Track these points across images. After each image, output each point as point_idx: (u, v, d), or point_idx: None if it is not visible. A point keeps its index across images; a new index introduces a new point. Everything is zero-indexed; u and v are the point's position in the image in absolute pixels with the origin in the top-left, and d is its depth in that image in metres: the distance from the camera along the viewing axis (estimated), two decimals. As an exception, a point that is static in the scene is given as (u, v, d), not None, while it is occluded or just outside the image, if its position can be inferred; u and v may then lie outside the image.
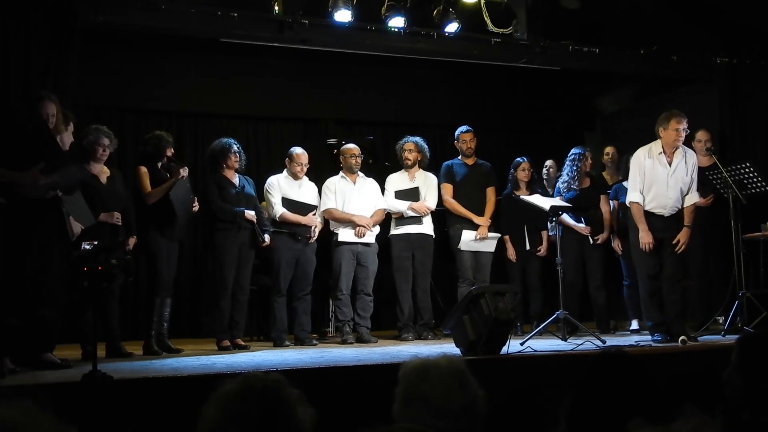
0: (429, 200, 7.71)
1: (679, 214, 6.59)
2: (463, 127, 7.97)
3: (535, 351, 5.66)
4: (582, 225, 7.76)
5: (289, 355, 6.07)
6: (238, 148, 7.04)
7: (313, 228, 7.25)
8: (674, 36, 8.62)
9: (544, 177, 8.49)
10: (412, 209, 7.59)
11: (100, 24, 6.82)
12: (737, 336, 5.78)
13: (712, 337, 6.77)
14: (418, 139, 7.85)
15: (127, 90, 8.62)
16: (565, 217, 7.62)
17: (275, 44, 7.85)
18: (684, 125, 6.51)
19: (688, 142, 7.75)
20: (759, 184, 6.92)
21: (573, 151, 7.93)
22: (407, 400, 2.24)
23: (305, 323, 7.20)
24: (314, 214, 7.31)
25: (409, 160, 7.74)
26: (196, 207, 6.67)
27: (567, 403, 2.63)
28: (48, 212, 5.24)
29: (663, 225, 6.57)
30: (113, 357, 6.01)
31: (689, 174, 6.57)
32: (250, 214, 6.87)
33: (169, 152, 6.64)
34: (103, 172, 6.28)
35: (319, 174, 7.77)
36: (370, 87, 9.69)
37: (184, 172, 6.49)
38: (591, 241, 7.76)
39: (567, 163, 7.91)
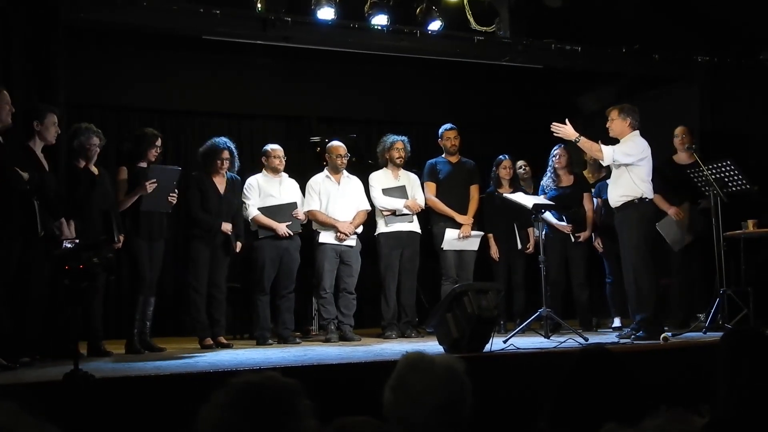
0: (419, 198, 7.73)
1: (625, 208, 6.58)
2: (447, 125, 7.98)
3: (518, 349, 5.68)
4: (563, 223, 7.80)
5: (272, 354, 6.06)
6: (230, 152, 6.94)
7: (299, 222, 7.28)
8: (656, 35, 8.67)
9: (523, 177, 8.51)
10: (407, 207, 7.59)
11: (81, 21, 6.77)
12: (718, 333, 5.84)
13: (693, 334, 6.82)
14: (405, 138, 7.85)
15: (109, 88, 8.56)
16: (548, 216, 7.65)
17: (258, 42, 7.84)
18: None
19: (669, 138, 7.83)
20: (740, 182, 6.96)
21: (553, 149, 8.00)
22: (393, 387, 2.29)
23: (288, 321, 7.19)
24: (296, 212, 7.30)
25: (402, 158, 7.74)
26: (173, 199, 6.61)
27: (548, 401, 2.64)
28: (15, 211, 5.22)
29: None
30: (94, 356, 5.99)
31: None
32: (227, 227, 6.85)
33: (153, 154, 6.59)
34: (91, 170, 6.26)
35: (302, 172, 7.74)
36: (353, 85, 9.67)
37: (150, 188, 6.39)
38: (573, 239, 7.80)
39: (551, 155, 7.99)
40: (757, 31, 8.35)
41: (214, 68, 9.04)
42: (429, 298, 8.21)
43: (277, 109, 9.59)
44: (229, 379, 1.88)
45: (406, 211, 7.60)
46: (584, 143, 6.61)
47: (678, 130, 7.74)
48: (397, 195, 7.65)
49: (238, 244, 6.97)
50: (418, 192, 7.75)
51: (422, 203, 7.72)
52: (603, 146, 6.58)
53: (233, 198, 7.04)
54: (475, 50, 8.31)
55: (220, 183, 6.95)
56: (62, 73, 6.33)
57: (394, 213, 7.60)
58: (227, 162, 6.92)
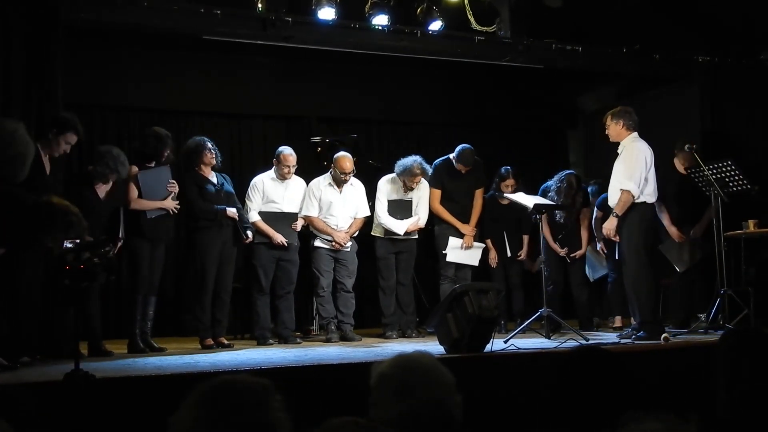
0: (422, 214, 7.65)
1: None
2: (467, 152, 7.70)
3: (519, 349, 5.68)
4: (557, 246, 7.80)
5: (273, 354, 6.07)
6: (212, 145, 6.98)
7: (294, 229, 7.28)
8: (656, 35, 8.66)
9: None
10: (407, 232, 7.54)
11: (81, 21, 6.77)
12: (718, 333, 5.84)
13: (693, 335, 6.82)
14: (426, 166, 7.61)
15: (109, 88, 8.54)
16: (547, 233, 7.65)
17: (258, 42, 7.83)
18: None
19: (669, 138, 7.82)
20: (740, 182, 6.96)
21: (562, 174, 7.90)
22: (377, 387, 2.34)
23: (288, 321, 7.19)
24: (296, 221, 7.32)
25: (413, 188, 7.61)
26: (172, 188, 6.61)
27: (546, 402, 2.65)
28: None
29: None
30: (94, 356, 5.99)
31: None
32: (232, 211, 6.83)
33: (166, 154, 6.60)
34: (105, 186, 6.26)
35: (302, 172, 7.74)
36: (353, 85, 9.66)
37: (172, 204, 6.51)
38: (569, 260, 7.80)
39: (555, 181, 7.86)
40: (757, 31, 8.35)
41: (214, 68, 9.02)
42: (429, 298, 8.21)
43: (277, 109, 9.57)
44: (198, 384, 1.90)
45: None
46: (618, 212, 6.50)
47: (684, 153, 7.58)
48: (402, 209, 7.60)
49: (249, 233, 6.95)
50: (422, 206, 7.68)
51: (423, 223, 7.68)
52: (620, 192, 6.47)
53: (230, 189, 7.03)
54: (476, 50, 8.30)
55: (211, 177, 6.94)
56: (62, 73, 6.34)
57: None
58: (214, 152, 6.91)
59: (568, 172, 8.02)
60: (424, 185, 7.73)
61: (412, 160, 7.57)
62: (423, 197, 7.71)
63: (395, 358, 2.40)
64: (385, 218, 7.57)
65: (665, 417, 1.93)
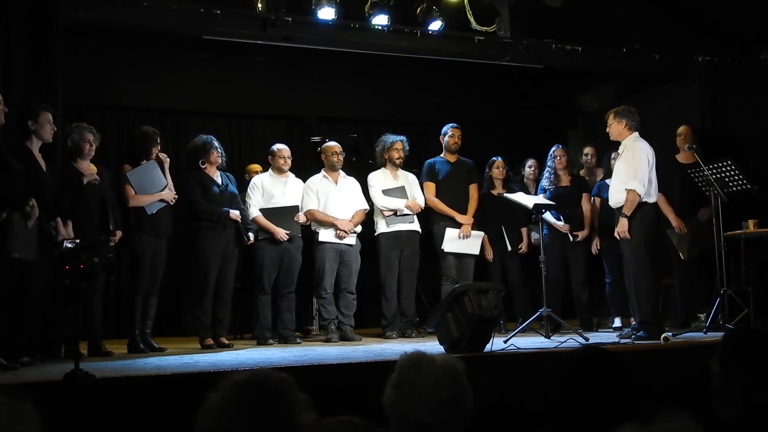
0: (418, 198, 7.70)
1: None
2: (452, 124, 7.96)
3: (519, 348, 5.68)
4: (561, 223, 7.77)
5: (272, 354, 6.06)
6: (218, 144, 7.02)
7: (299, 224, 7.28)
8: (656, 34, 8.66)
9: (528, 176, 8.48)
10: (408, 207, 7.57)
11: (81, 21, 6.77)
12: (718, 333, 5.84)
13: (693, 334, 6.82)
14: (404, 138, 7.83)
15: (109, 87, 8.55)
16: (547, 215, 7.61)
17: (258, 42, 7.84)
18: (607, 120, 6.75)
19: (669, 137, 7.84)
20: (740, 182, 6.95)
21: (550, 152, 7.98)
22: (396, 385, 2.30)
23: (289, 321, 7.19)
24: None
25: (401, 158, 7.72)
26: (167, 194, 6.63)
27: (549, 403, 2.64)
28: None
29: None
30: (94, 356, 5.99)
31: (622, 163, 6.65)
32: (235, 213, 6.83)
33: (156, 150, 6.61)
34: (90, 169, 6.25)
35: (302, 172, 7.75)
36: (353, 85, 9.67)
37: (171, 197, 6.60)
38: (571, 239, 7.78)
39: (547, 159, 7.97)
40: (757, 31, 8.35)
41: (214, 68, 9.03)
42: (429, 298, 8.20)
43: (276, 109, 9.58)
44: (222, 379, 1.90)
45: (407, 211, 7.58)
46: (627, 213, 6.50)
47: (681, 129, 7.73)
48: (397, 195, 7.63)
49: (251, 236, 6.96)
50: (417, 192, 7.73)
51: (422, 203, 7.69)
52: (626, 192, 6.49)
53: (233, 189, 7.05)
54: (476, 50, 8.30)
55: (216, 177, 6.96)
56: (62, 73, 6.35)
57: (395, 213, 7.59)
58: (220, 151, 6.95)
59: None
60: (409, 176, 7.80)
61: (384, 136, 7.82)
62: (413, 183, 7.77)
63: (412, 356, 2.37)
64: (382, 200, 7.60)
65: (686, 417, 1.93)
